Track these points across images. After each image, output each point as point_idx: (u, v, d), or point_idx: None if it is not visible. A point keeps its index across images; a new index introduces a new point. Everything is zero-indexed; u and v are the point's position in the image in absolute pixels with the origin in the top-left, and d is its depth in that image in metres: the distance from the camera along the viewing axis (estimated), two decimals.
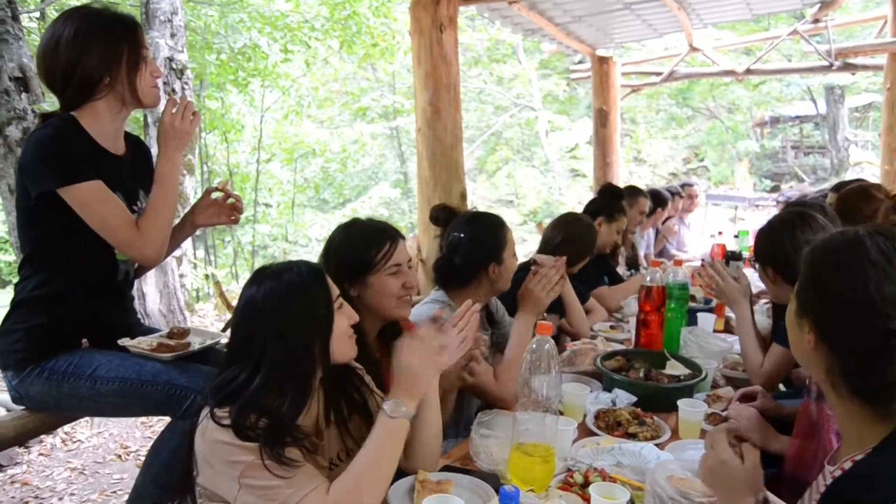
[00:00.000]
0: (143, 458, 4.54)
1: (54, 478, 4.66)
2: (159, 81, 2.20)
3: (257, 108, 11.48)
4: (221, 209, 2.37)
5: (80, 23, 2.05)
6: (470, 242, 2.59)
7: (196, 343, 2.20)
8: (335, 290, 1.70)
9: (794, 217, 2.47)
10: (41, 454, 4.95)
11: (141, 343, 2.11)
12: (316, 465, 1.62)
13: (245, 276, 11.68)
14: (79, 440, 5.00)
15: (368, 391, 1.89)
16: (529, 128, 18.90)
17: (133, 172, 2.21)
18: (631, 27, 6.99)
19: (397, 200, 16.25)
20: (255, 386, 1.55)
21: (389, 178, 17.22)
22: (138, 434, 5.02)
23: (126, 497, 4.18)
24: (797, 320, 1.30)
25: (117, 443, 4.93)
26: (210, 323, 8.09)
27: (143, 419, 5.02)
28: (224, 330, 4.78)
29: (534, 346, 1.81)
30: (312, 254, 12.40)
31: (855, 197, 3.09)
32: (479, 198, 17.57)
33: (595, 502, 1.59)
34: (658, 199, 5.60)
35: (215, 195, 2.39)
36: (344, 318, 1.70)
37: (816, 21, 6.87)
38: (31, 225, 2.09)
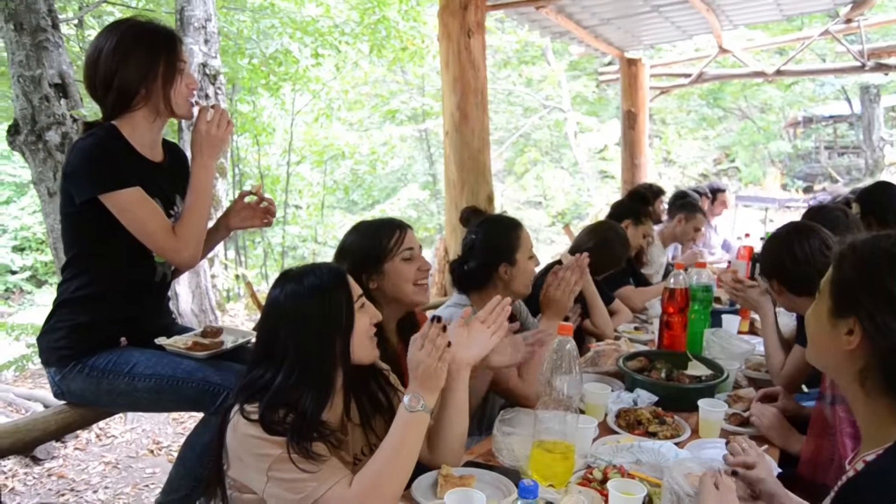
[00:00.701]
0: (174, 454, 4.68)
1: (89, 471, 4.79)
2: (194, 92, 2.27)
3: (288, 112, 11.63)
4: (254, 212, 2.44)
5: (121, 35, 2.13)
6: (481, 244, 2.63)
7: (229, 341, 2.28)
8: (357, 290, 1.76)
9: (792, 231, 2.52)
10: (77, 448, 5.09)
11: (177, 342, 2.19)
12: (341, 460, 1.68)
13: (275, 277, 11.85)
14: (113, 435, 5.13)
15: (393, 390, 1.95)
16: (558, 129, 18.86)
17: (170, 178, 2.29)
18: (659, 29, 6.98)
19: (426, 202, 16.32)
20: (279, 383, 1.62)
21: (418, 179, 17.29)
22: (170, 430, 5.15)
23: (158, 490, 4.30)
24: (832, 321, 1.30)
25: (150, 438, 5.05)
26: (241, 322, 8.23)
27: (175, 415, 5.14)
28: (255, 329, 4.89)
29: (555, 346, 1.87)
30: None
31: None
32: (508, 199, 17.59)
33: (612, 497, 1.64)
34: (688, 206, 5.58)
35: (248, 199, 2.45)
36: (366, 318, 1.75)
37: (849, 21, 6.80)
38: (74, 229, 2.17)
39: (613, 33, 7.00)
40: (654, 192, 5.31)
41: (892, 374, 1.22)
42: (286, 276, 1.75)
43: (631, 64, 7.84)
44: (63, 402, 2.27)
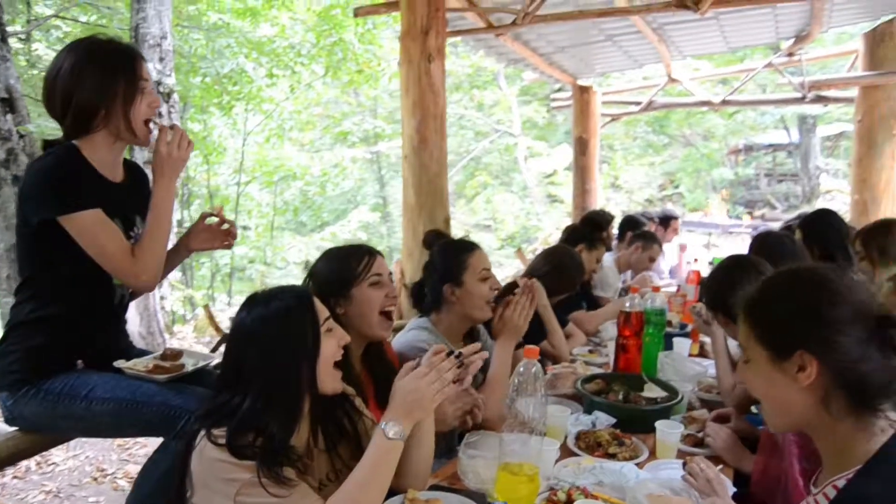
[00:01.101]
0: (119, 481, 4.54)
1: (28, 501, 4.58)
2: (156, 119, 2.22)
3: (240, 131, 11.53)
4: (216, 234, 2.41)
5: (79, 54, 2.10)
6: (434, 264, 2.69)
7: (189, 364, 2.24)
8: (324, 313, 1.75)
9: (733, 266, 2.66)
10: (15, 477, 4.88)
11: (136, 364, 2.15)
12: (307, 485, 1.68)
13: (222, 299, 11.67)
14: (54, 463, 4.92)
15: (359, 415, 1.95)
16: (508, 153, 19.13)
17: (131, 199, 2.26)
18: (612, 58, 7.19)
19: (376, 224, 16.34)
20: (246, 408, 1.61)
21: (368, 202, 17.29)
22: (114, 457, 4.95)
23: None
24: (778, 366, 1.34)
25: (93, 465, 4.86)
26: (189, 345, 8.02)
27: (120, 442, 4.95)
28: (213, 350, 4.80)
29: (521, 369, 1.89)
30: (290, 277, 12.40)
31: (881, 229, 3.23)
32: (458, 222, 17.68)
33: None
34: (636, 227, 5.74)
35: (209, 220, 2.42)
36: (333, 341, 1.74)
37: (791, 54, 7.10)
38: (31, 250, 2.12)
39: (567, 61, 7.16)
40: (607, 218, 5.46)
41: (856, 388, 1.27)
42: (253, 300, 1.75)
43: (583, 91, 8.02)
44: (13, 428, 2.20)
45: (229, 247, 2.45)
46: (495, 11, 4.92)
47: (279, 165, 12.58)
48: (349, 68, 10.22)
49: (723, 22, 6.11)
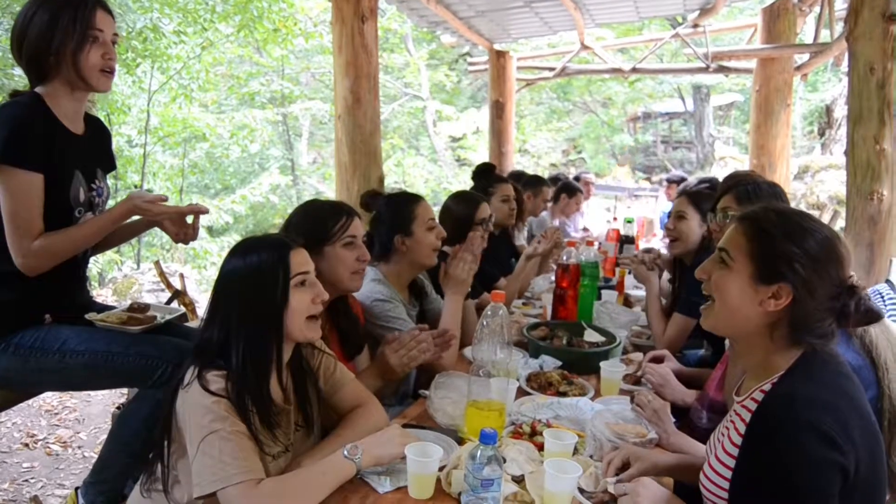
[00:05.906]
0: (52, 446, 4.45)
1: None
2: (114, 65, 2.19)
3: (144, 90, 11.05)
4: (182, 226, 2.23)
5: (32, 1, 2.09)
6: (382, 216, 2.82)
7: (159, 316, 2.27)
8: (302, 268, 1.79)
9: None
10: None
11: (109, 316, 2.15)
12: (283, 433, 1.77)
13: (129, 263, 11.25)
14: None
15: (320, 353, 2.02)
16: (417, 117, 19.15)
17: (92, 151, 2.25)
18: (528, 23, 7.34)
19: (286, 188, 16.09)
20: (221, 343, 1.70)
21: (275, 164, 16.96)
22: (43, 422, 4.81)
23: (40, 484, 4.07)
24: (755, 287, 1.44)
25: (22, 431, 4.70)
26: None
27: (48, 407, 4.84)
28: (168, 303, 4.74)
29: (489, 312, 2.04)
30: (200, 240, 12.08)
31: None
32: None
33: (549, 444, 1.83)
34: (569, 188, 6.20)
35: (189, 218, 2.24)
36: (306, 295, 1.79)
37: (696, 26, 7.46)
38: None
39: (485, 25, 7.27)
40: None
41: (802, 328, 1.43)
42: (238, 246, 1.81)
43: (500, 56, 8.17)
44: None
45: (185, 242, 2.27)
46: None
47: (189, 126, 12.12)
48: (265, 27, 9.92)
49: None
